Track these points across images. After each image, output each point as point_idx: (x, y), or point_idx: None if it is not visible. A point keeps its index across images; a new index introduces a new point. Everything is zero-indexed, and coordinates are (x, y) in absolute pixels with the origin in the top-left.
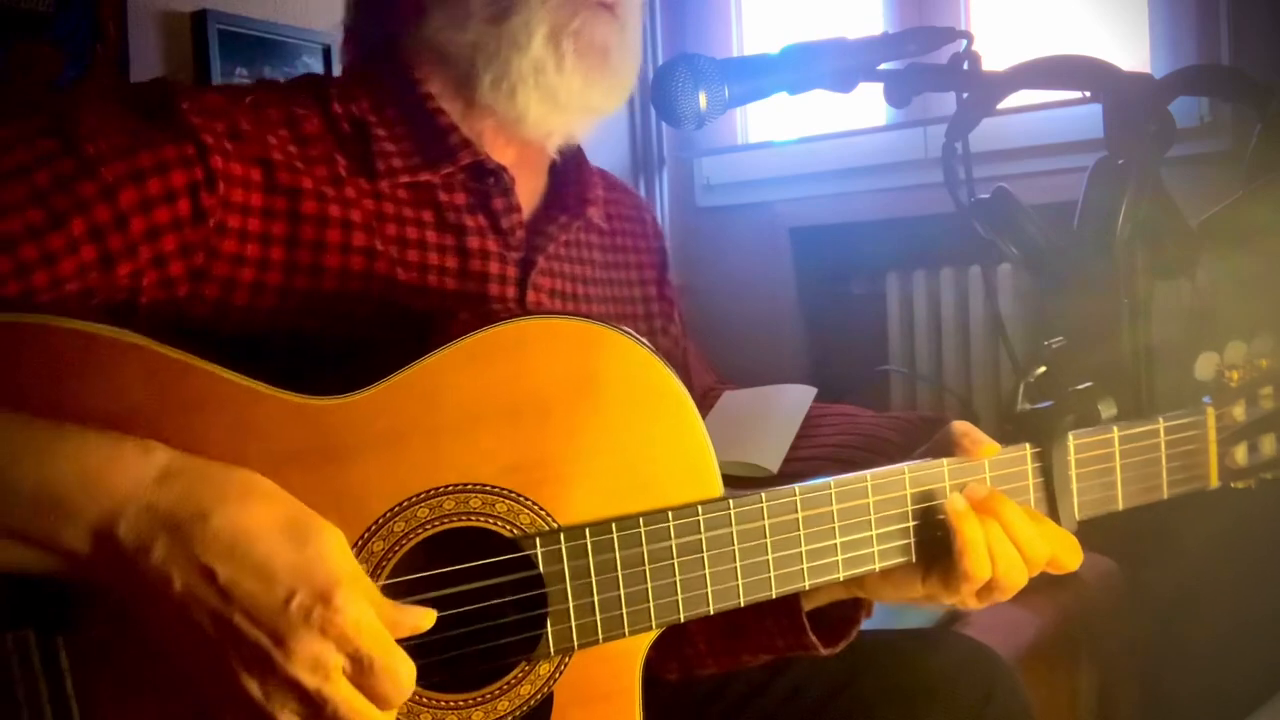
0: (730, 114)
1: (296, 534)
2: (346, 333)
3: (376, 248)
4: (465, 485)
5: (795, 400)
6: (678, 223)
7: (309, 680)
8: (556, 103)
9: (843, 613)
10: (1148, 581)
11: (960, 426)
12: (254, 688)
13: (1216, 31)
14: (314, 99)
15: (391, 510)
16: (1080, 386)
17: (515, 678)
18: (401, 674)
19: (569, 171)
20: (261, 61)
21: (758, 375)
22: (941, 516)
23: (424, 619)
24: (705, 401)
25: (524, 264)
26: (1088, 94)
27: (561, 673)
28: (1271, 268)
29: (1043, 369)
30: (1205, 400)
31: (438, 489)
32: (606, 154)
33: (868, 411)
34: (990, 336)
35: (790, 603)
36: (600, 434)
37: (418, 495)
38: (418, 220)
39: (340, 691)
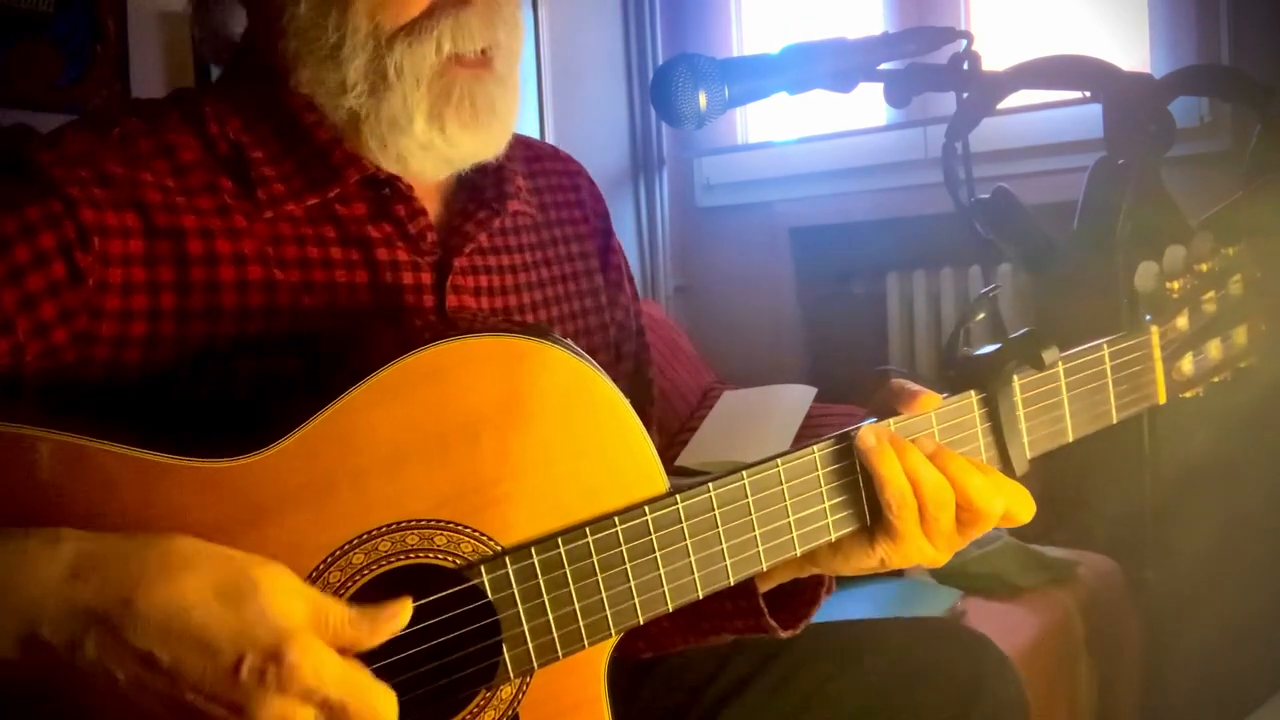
0: (730, 114)
1: (231, 595)
2: (258, 375)
3: (276, 277)
4: (400, 524)
5: (795, 400)
6: (678, 223)
7: None
8: (450, 162)
9: (803, 592)
10: (1148, 581)
11: (897, 384)
12: None
13: (1216, 31)
14: (187, 121)
15: (325, 561)
16: (1020, 332)
17: (478, 706)
18: (379, 707)
19: (487, 163)
20: None
21: (758, 375)
22: (854, 443)
23: (401, 615)
24: (705, 401)
25: (440, 268)
26: (1088, 94)
27: (525, 693)
28: (1271, 268)
29: (981, 315)
30: (1147, 319)
31: (371, 532)
32: (606, 154)
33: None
34: (991, 336)
35: (747, 585)
36: (534, 448)
37: (350, 542)
38: (319, 238)
39: None
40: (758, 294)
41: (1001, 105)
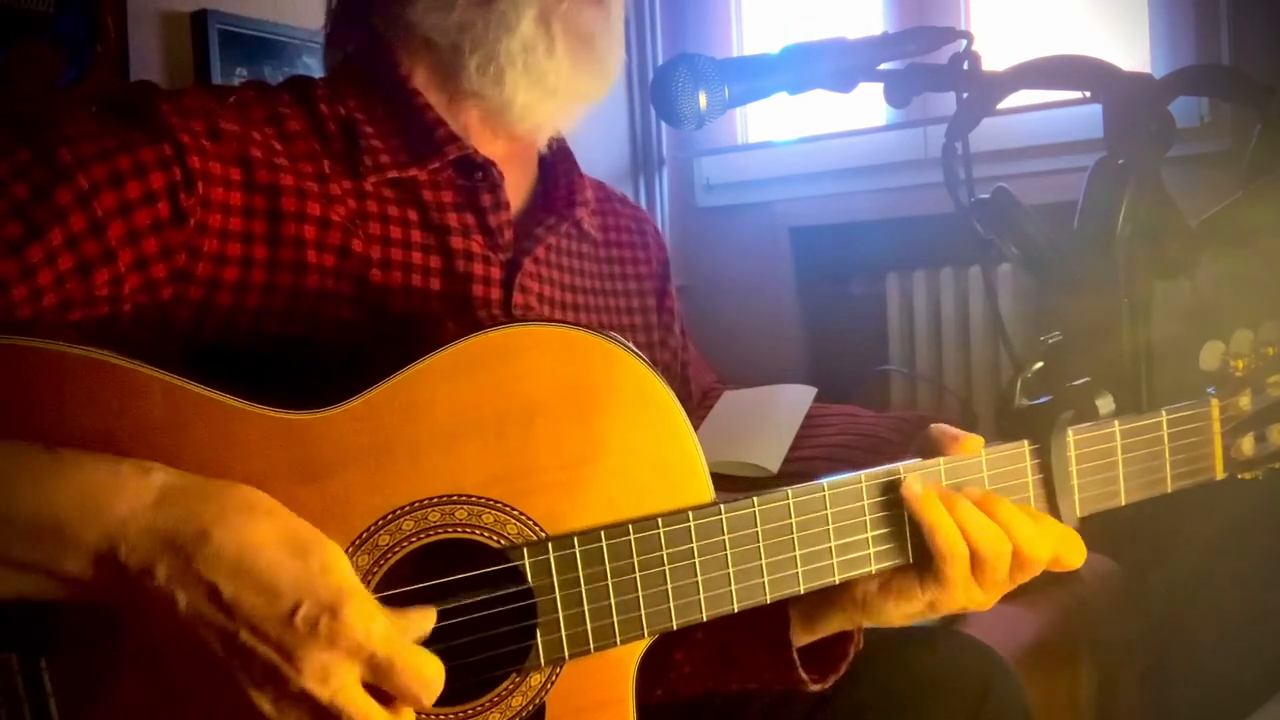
0: (730, 114)
1: (299, 547)
2: (331, 334)
3: (354, 248)
4: (451, 497)
5: (795, 400)
6: (678, 223)
7: (320, 692)
8: (544, 87)
9: (834, 648)
10: (1148, 581)
11: (937, 429)
12: (266, 703)
13: (1216, 31)
14: (300, 99)
15: (376, 524)
16: (1078, 382)
17: (506, 689)
18: (427, 670)
19: (559, 175)
20: (261, 61)
21: (758, 375)
22: (896, 478)
23: (425, 622)
24: (705, 401)
25: (510, 266)
26: (1088, 94)
27: (553, 683)
28: (1271, 267)
29: (1040, 364)
30: (1209, 391)
31: (423, 501)
32: (606, 154)
33: (868, 411)
34: (990, 336)
35: (780, 636)
36: (587, 442)
37: (402, 508)
38: (402, 219)
39: (354, 701)
40: (758, 294)
41: (1001, 105)
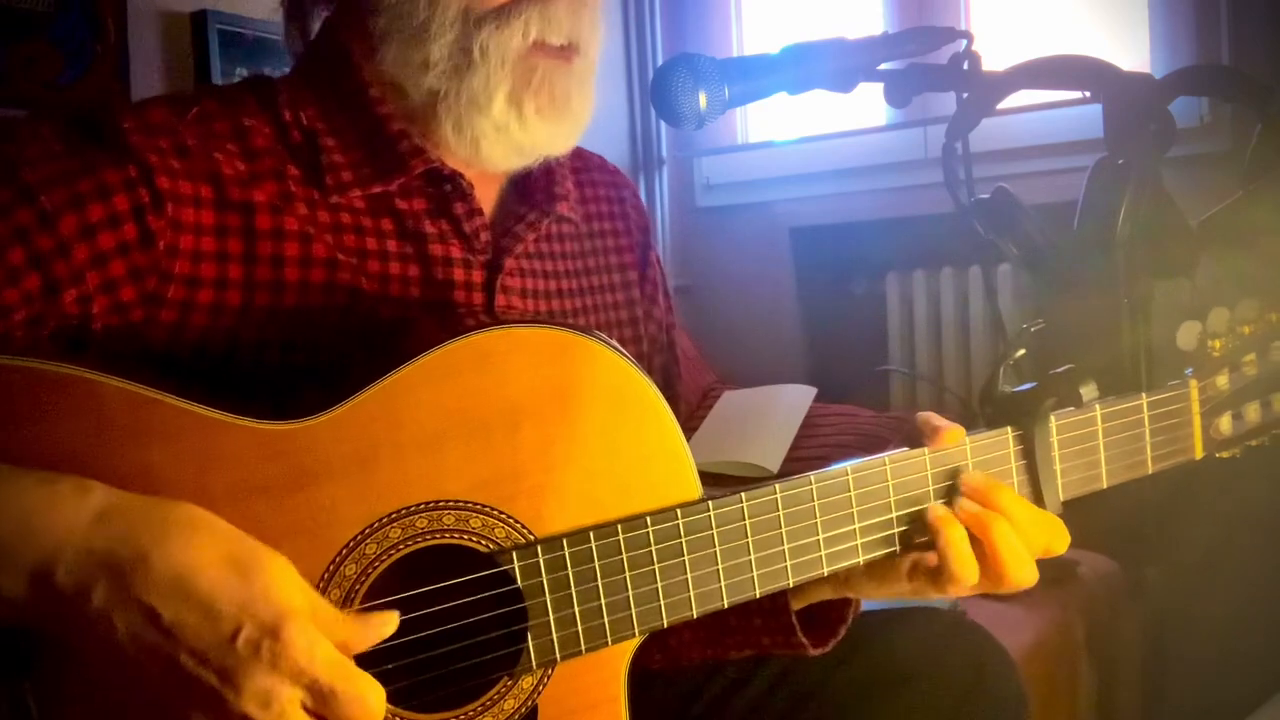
0: (730, 114)
1: (241, 567)
2: (313, 348)
3: (338, 258)
4: (437, 502)
5: (795, 400)
6: (678, 223)
7: (261, 716)
8: (521, 150)
9: (832, 611)
10: (1148, 581)
11: (921, 417)
12: None
13: (1216, 31)
14: (262, 106)
15: (362, 533)
16: (1060, 369)
17: (498, 693)
18: (368, 698)
19: (537, 166)
20: (261, 61)
21: (758, 375)
22: (923, 507)
23: (387, 624)
24: (705, 401)
25: (490, 267)
26: (1088, 94)
27: (545, 685)
28: (1271, 267)
29: (1022, 351)
30: (1187, 372)
31: (409, 508)
32: (606, 154)
33: (868, 411)
34: (990, 336)
35: (778, 601)
36: (573, 443)
37: (389, 516)
38: (377, 230)
39: None
40: (758, 294)
41: (1001, 105)
